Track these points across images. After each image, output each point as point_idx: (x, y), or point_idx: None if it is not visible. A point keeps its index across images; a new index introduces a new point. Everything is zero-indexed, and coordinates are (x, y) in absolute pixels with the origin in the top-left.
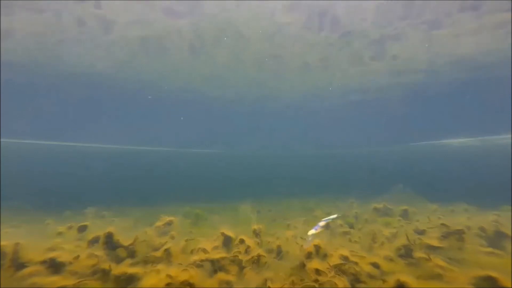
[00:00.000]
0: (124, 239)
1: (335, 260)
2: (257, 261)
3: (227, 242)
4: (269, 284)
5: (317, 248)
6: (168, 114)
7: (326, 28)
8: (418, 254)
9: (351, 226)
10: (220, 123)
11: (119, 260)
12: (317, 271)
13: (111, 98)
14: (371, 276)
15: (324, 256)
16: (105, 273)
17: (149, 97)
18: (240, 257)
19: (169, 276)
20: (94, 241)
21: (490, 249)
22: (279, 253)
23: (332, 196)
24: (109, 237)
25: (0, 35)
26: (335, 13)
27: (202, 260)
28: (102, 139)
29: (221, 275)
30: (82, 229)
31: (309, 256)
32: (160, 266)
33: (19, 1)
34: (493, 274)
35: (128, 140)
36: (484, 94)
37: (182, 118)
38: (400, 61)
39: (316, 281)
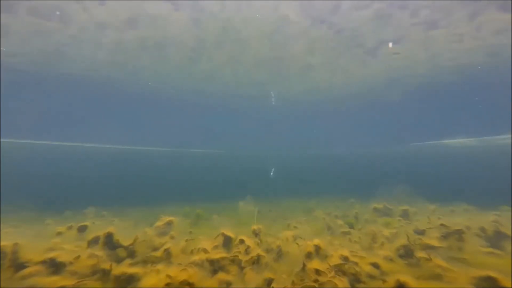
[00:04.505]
0: (124, 239)
1: (335, 260)
2: (257, 261)
3: (227, 242)
4: (273, 284)
5: (317, 248)
6: (168, 114)
7: (326, 27)
8: (418, 254)
9: (351, 226)
10: (220, 123)
11: (119, 260)
12: (317, 271)
13: (111, 98)
14: (371, 276)
15: (324, 256)
16: (105, 273)
17: (149, 83)
18: (240, 257)
19: (168, 276)
20: (94, 241)
21: (490, 249)
22: (278, 253)
23: (332, 196)
24: (109, 237)
25: (0, 35)
26: (335, 12)
27: (202, 260)
28: (102, 139)
29: (221, 275)
30: (82, 229)
31: (309, 256)
32: (160, 266)
33: (20, 1)
34: (493, 274)
35: (128, 140)
36: (484, 94)
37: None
38: (401, 61)
39: (316, 281)
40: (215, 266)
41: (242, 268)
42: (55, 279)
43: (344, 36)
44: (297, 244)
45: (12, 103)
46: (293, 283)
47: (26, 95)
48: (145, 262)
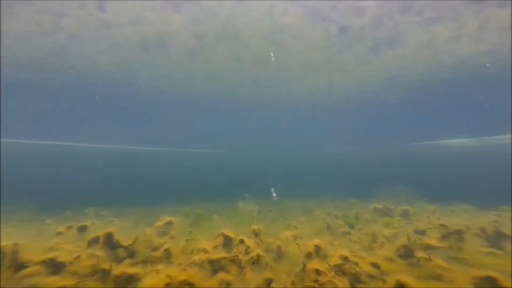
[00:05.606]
0: (124, 239)
1: (335, 260)
2: (257, 261)
3: (227, 242)
4: (273, 284)
5: (317, 248)
6: (168, 114)
7: (325, 27)
8: (418, 254)
9: (351, 226)
10: (220, 123)
11: (119, 260)
12: (317, 271)
13: (111, 98)
14: (371, 276)
15: (324, 256)
16: (105, 273)
17: (140, 80)
18: (240, 257)
19: (168, 276)
20: (94, 241)
21: (490, 249)
22: (278, 253)
23: (332, 196)
24: (109, 237)
25: (0, 34)
26: (335, 12)
27: (202, 260)
28: (102, 139)
29: (221, 275)
30: (82, 229)
31: (309, 256)
32: (160, 266)
33: (21, 1)
34: (493, 274)
35: (128, 140)
36: (484, 94)
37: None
38: (400, 61)
39: (316, 281)
40: (215, 266)
41: (242, 268)
42: (55, 279)
43: (344, 35)
44: (297, 244)
45: (12, 103)
46: (293, 283)
47: (26, 95)
48: (145, 262)
